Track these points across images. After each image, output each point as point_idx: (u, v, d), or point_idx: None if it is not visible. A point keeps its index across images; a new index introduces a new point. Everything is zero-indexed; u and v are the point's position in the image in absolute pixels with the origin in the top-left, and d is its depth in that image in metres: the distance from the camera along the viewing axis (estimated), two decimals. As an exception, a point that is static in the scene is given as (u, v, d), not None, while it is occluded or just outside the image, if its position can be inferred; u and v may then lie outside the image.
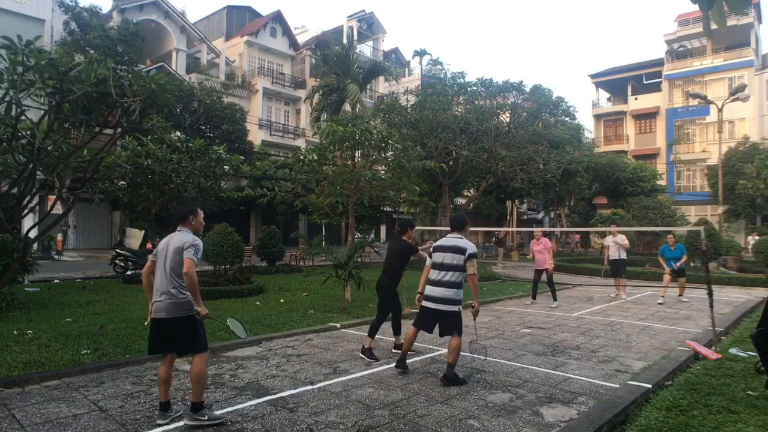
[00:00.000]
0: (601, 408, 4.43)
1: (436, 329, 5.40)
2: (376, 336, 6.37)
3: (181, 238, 3.99)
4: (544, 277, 11.26)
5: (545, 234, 12.28)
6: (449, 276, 5.18)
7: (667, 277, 11.84)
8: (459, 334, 5.19)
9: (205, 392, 4.71)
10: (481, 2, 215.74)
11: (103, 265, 17.35)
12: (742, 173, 28.12)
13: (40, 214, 14.86)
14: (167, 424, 3.95)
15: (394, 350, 6.46)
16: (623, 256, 12.39)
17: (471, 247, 5.23)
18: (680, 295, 12.02)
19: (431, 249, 5.51)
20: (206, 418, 3.87)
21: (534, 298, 11.42)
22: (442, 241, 5.42)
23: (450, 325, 5.21)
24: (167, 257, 3.96)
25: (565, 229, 36.46)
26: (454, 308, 5.19)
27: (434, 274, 5.29)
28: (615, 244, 12.37)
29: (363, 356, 6.17)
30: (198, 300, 3.96)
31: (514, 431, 3.98)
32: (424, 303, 5.34)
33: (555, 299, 10.97)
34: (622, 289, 12.59)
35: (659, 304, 11.38)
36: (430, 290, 5.30)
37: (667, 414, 4.23)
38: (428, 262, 5.50)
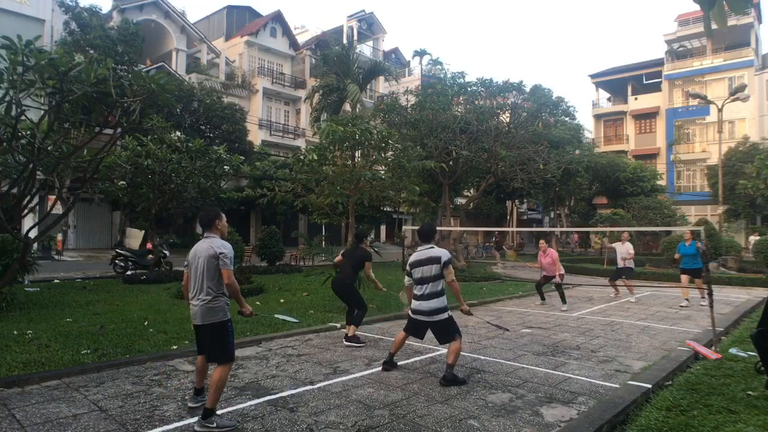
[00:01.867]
0: (601, 408, 4.43)
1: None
2: (377, 336, 6.37)
3: (210, 244, 4.09)
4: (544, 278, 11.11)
5: (547, 241, 11.83)
6: (430, 287, 5.26)
7: (684, 278, 11.30)
8: (458, 335, 5.26)
9: (205, 392, 4.71)
10: (482, 2, 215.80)
11: (103, 265, 17.35)
12: (742, 173, 28.11)
13: (40, 214, 14.87)
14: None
15: (345, 342, 6.79)
16: (629, 265, 12.14)
17: (445, 254, 5.31)
18: (702, 297, 10.93)
19: (408, 267, 5.57)
20: (215, 425, 3.87)
21: (543, 299, 11.19)
22: (415, 256, 5.45)
23: (446, 332, 5.29)
24: (199, 265, 4.09)
25: (564, 229, 36.46)
26: (443, 316, 5.26)
27: (417, 289, 5.36)
28: (623, 252, 12.12)
29: (350, 343, 6.67)
30: (241, 302, 4.23)
31: (514, 431, 3.99)
32: (414, 316, 5.42)
33: (564, 302, 10.68)
34: (630, 289, 12.23)
35: (681, 306, 10.90)
36: (417, 305, 5.36)
37: (667, 414, 4.22)
38: (407, 281, 5.59)
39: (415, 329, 5.47)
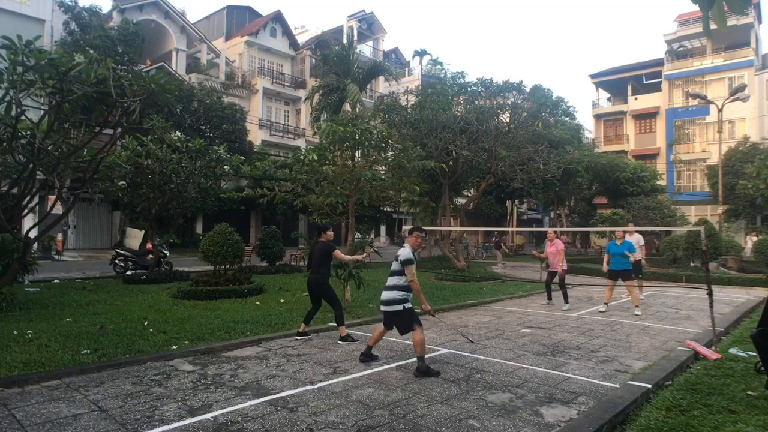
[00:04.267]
0: (601, 408, 4.43)
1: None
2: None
3: None
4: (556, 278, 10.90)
5: (557, 235, 11.57)
6: (390, 280, 5.67)
7: (609, 282, 10.33)
8: (417, 327, 5.47)
9: (205, 392, 4.72)
10: (482, 2, 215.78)
11: (103, 265, 17.35)
12: (742, 173, 28.07)
13: (40, 214, 14.87)
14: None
15: (340, 342, 6.89)
16: (638, 257, 11.37)
17: (405, 253, 5.62)
18: (636, 306, 9.98)
19: None
20: None
21: (549, 298, 11.23)
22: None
23: (401, 324, 5.60)
24: None
25: (565, 228, 36.42)
26: (398, 307, 5.56)
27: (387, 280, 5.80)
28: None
29: (345, 342, 6.82)
30: None
31: (514, 431, 3.99)
32: (381, 306, 5.80)
33: (566, 301, 10.65)
34: (639, 289, 11.71)
35: (601, 311, 10.11)
36: (382, 294, 5.76)
37: (667, 414, 4.22)
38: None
39: (384, 320, 5.83)
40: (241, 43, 34.63)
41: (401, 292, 5.56)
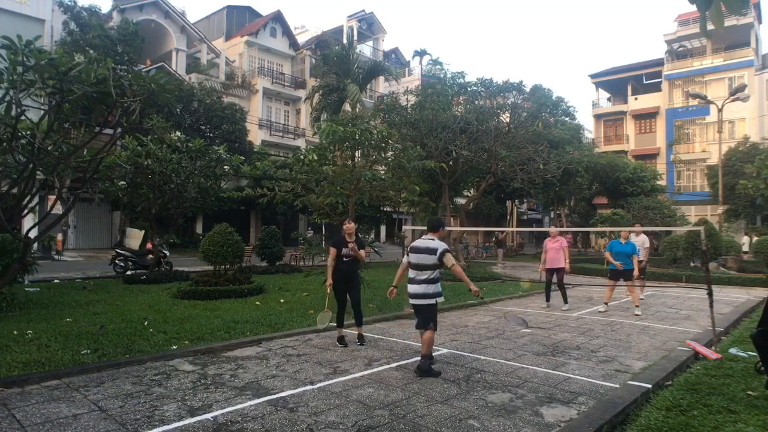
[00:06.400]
0: (601, 408, 4.43)
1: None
2: (377, 336, 6.37)
3: None
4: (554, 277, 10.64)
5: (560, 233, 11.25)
6: (424, 275, 5.52)
7: (610, 282, 10.41)
8: (433, 327, 5.48)
9: (205, 392, 4.72)
10: (482, 2, 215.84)
11: (103, 265, 17.35)
12: (742, 173, 28.08)
13: (40, 214, 14.87)
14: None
15: (338, 343, 6.81)
16: (642, 258, 11.37)
17: (441, 246, 5.56)
18: (636, 306, 10.05)
19: (408, 249, 5.88)
20: None
21: (548, 300, 10.82)
22: (416, 243, 5.76)
23: (425, 317, 5.53)
24: None
25: (565, 228, 36.40)
26: (430, 301, 5.52)
27: (411, 273, 5.67)
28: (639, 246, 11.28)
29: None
30: None
31: (514, 431, 3.99)
32: (410, 300, 5.70)
33: (566, 302, 10.56)
34: (641, 289, 11.71)
35: (601, 311, 10.17)
36: (409, 288, 5.65)
37: (667, 414, 4.22)
38: (404, 259, 5.94)
39: (415, 314, 5.74)
40: (241, 43, 34.63)
41: (432, 286, 5.49)
